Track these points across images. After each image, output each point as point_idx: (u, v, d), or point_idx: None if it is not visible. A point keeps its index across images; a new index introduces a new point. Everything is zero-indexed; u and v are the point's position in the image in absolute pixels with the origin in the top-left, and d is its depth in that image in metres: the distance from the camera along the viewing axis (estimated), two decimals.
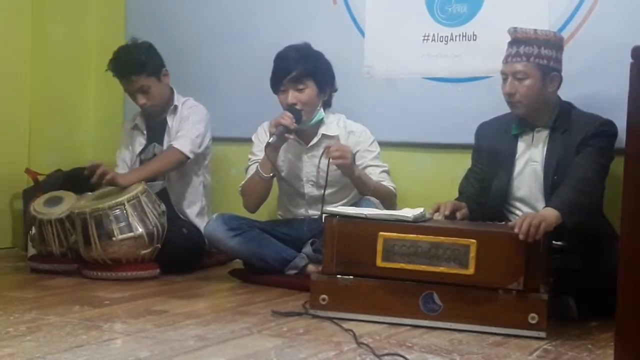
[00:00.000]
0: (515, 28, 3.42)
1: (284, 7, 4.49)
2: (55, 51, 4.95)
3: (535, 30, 3.41)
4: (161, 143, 4.25)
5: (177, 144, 4.12)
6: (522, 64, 3.37)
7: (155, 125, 4.31)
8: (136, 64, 4.15)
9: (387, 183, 3.86)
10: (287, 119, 3.78)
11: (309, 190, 3.99)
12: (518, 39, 3.40)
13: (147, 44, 4.24)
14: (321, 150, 3.92)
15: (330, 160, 3.68)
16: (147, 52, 4.21)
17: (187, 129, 4.17)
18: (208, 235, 3.93)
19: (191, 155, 4.12)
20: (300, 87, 3.86)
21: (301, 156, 3.99)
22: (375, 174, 3.85)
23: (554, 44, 3.41)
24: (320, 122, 3.96)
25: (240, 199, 3.98)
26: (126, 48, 4.24)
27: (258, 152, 3.97)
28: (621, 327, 2.27)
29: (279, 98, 3.92)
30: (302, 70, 3.86)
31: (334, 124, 3.96)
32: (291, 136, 3.82)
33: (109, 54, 4.85)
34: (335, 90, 4.03)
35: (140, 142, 4.33)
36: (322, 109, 3.95)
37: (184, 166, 4.17)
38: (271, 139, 3.79)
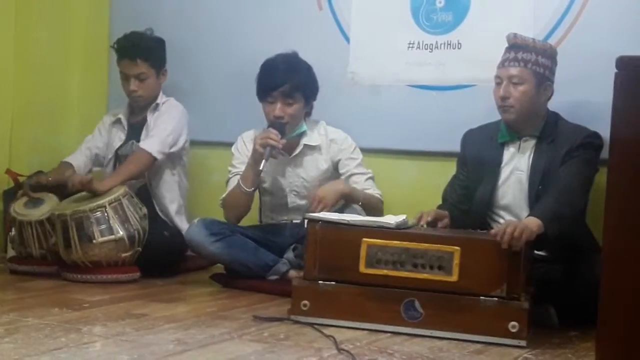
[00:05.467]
0: (514, 34, 3.44)
1: (269, 13, 4.48)
2: (38, 52, 4.90)
3: (533, 39, 3.46)
4: (139, 140, 4.23)
5: (144, 145, 4.11)
6: (519, 69, 3.39)
7: (136, 122, 4.31)
8: (147, 50, 4.20)
9: (373, 191, 3.85)
10: (275, 138, 3.71)
11: (292, 200, 3.97)
12: (517, 45, 3.41)
13: (161, 39, 4.31)
14: (304, 161, 3.91)
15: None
16: (159, 45, 4.28)
17: (158, 129, 4.16)
18: (189, 240, 3.90)
19: (159, 156, 4.09)
20: (290, 101, 3.83)
21: (284, 167, 3.96)
22: (360, 182, 3.83)
23: (550, 55, 3.44)
24: (303, 132, 3.94)
25: None
26: (140, 34, 4.28)
27: (238, 164, 3.93)
28: (602, 336, 2.28)
29: (264, 107, 3.88)
30: (294, 85, 3.82)
31: (315, 134, 3.95)
32: (280, 154, 3.80)
33: (92, 55, 4.84)
34: (315, 99, 4.01)
35: (120, 137, 4.31)
36: (303, 121, 3.94)
37: (153, 166, 4.15)
38: (262, 165, 3.72)
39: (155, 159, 4.09)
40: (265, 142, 3.71)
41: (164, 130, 4.15)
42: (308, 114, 3.99)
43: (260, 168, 3.74)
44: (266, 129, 3.82)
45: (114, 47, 4.27)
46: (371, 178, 3.89)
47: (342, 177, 3.87)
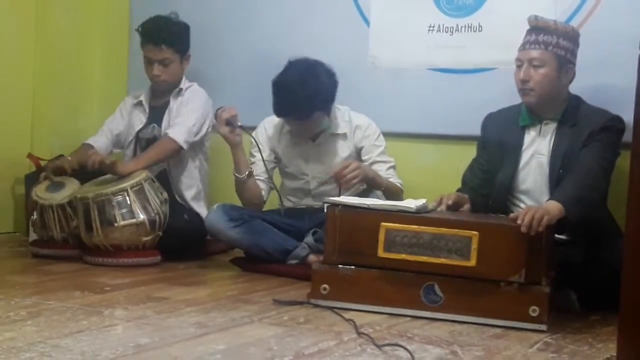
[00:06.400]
0: (535, 16, 3.41)
1: None
2: (59, 35, 4.93)
3: (555, 21, 3.43)
4: (161, 124, 4.23)
5: (172, 133, 4.09)
6: (540, 51, 3.36)
7: (158, 106, 4.30)
8: (172, 35, 4.20)
9: (394, 179, 3.84)
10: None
11: (315, 186, 3.96)
12: (538, 27, 3.39)
13: (186, 24, 4.29)
14: (328, 148, 3.90)
15: (344, 184, 3.65)
16: (184, 30, 4.27)
17: (184, 117, 4.15)
18: (209, 225, 3.91)
19: (185, 146, 4.09)
20: (309, 121, 3.80)
21: (308, 153, 3.95)
22: (382, 171, 3.82)
23: (572, 37, 3.41)
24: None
25: None
26: (165, 18, 4.26)
27: (256, 152, 3.94)
28: (624, 321, 2.26)
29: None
30: (312, 108, 3.74)
31: (340, 121, 3.91)
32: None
33: (113, 38, 4.83)
34: None
35: (140, 120, 4.31)
36: (327, 117, 3.88)
37: (178, 155, 4.16)
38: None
39: (181, 148, 4.09)
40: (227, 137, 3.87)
41: (190, 119, 4.13)
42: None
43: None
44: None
45: (139, 30, 4.26)
46: (393, 167, 3.87)
47: (365, 164, 3.85)
